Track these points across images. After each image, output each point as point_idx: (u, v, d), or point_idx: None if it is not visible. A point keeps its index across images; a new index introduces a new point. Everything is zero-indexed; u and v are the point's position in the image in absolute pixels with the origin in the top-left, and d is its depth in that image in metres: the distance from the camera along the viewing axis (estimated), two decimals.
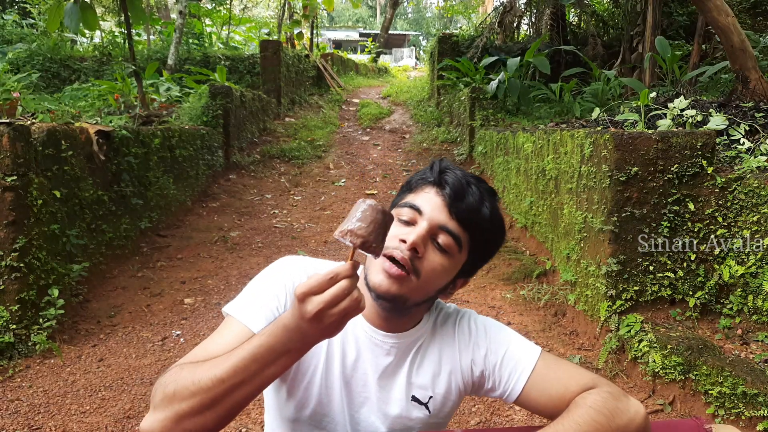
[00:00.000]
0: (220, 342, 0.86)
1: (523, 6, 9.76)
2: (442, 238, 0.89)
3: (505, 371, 0.95)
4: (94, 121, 4.56)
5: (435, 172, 0.92)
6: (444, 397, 0.98)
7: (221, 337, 0.88)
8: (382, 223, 0.76)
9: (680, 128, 3.19)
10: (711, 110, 3.47)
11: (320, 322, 0.71)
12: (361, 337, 0.97)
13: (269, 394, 1.02)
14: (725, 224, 2.67)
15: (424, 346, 0.99)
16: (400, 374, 0.97)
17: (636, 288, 2.78)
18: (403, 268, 0.86)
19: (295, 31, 12.01)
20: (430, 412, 0.97)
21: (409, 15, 48.06)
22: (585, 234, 3.09)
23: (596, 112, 4.17)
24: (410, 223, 0.90)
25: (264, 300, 0.92)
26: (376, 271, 0.88)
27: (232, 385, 0.74)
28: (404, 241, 0.86)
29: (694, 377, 2.34)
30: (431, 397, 0.97)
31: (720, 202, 2.68)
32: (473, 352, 0.98)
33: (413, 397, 0.96)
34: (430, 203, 0.90)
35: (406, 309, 0.94)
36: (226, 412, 0.75)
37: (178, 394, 0.75)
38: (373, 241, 0.75)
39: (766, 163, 2.68)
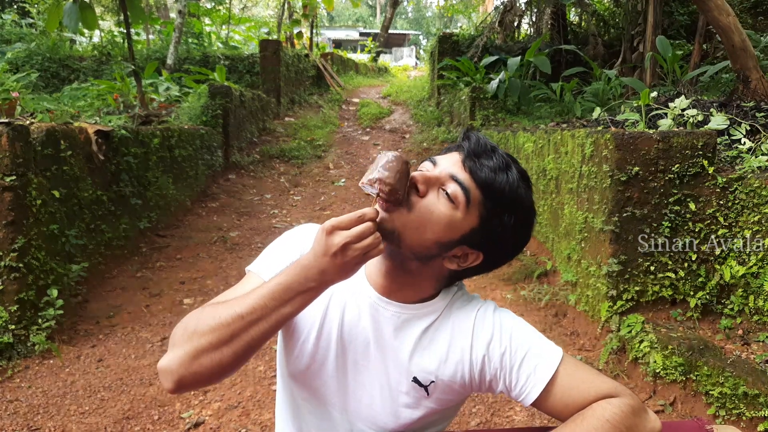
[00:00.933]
0: (239, 291, 0.90)
1: (523, 5, 9.75)
2: (451, 187, 0.85)
3: (523, 374, 0.90)
4: (93, 121, 4.55)
5: (460, 138, 0.93)
6: (447, 386, 0.93)
7: (241, 287, 0.93)
8: (405, 172, 0.80)
9: (681, 128, 3.18)
10: (712, 110, 3.46)
11: (344, 256, 0.77)
12: (362, 303, 0.94)
13: (279, 345, 1.03)
14: (726, 224, 2.67)
15: (434, 328, 0.94)
16: (402, 349, 0.93)
17: (637, 288, 2.77)
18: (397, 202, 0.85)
19: (295, 31, 12.00)
20: (428, 394, 0.93)
21: (409, 14, 48.05)
22: (586, 234, 3.08)
23: (597, 111, 4.16)
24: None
25: (280, 260, 0.95)
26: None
27: (249, 321, 0.78)
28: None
29: (695, 378, 2.33)
30: (433, 381, 0.93)
31: (721, 202, 2.67)
32: (489, 348, 0.92)
33: (414, 378, 0.93)
34: (449, 159, 0.90)
35: (404, 259, 0.89)
36: (243, 349, 0.79)
37: (198, 330, 0.80)
38: (399, 189, 0.79)
39: (767, 163, 2.67)
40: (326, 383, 0.95)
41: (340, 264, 0.77)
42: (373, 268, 0.96)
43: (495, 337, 0.92)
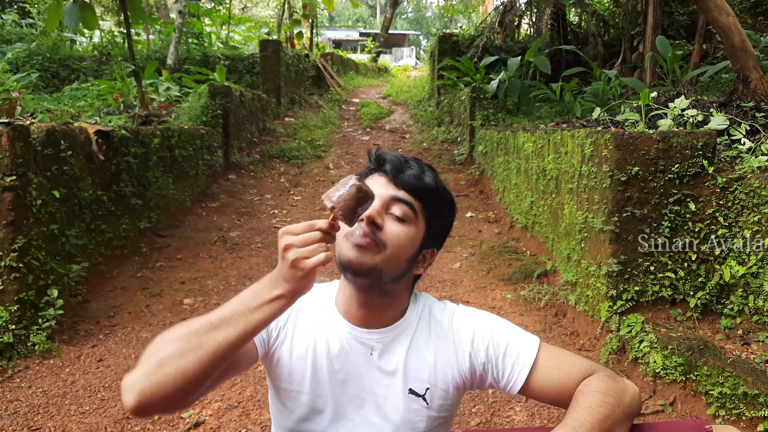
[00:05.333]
0: None
1: (523, 5, 9.74)
2: (397, 208, 0.93)
3: (508, 363, 0.97)
4: (94, 121, 4.55)
5: (374, 162, 0.99)
6: (442, 390, 0.99)
7: None
8: (355, 197, 0.82)
9: (681, 128, 3.18)
10: (712, 110, 3.46)
11: (287, 259, 0.77)
12: (345, 340, 0.99)
13: (273, 406, 1.05)
14: (726, 224, 2.67)
15: (416, 339, 1.00)
16: (395, 369, 0.98)
17: (637, 288, 2.78)
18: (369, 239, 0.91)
19: (295, 31, 12.00)
20: (428, 403, 0.98)
21: (409, 14, 48.04)
22: (585, 234, 3.08)
23: (597, 111, 4.16)
24: None
25: None
26: (347, 249, 0.92)
27: (217, 326, 0.78)
28: (362, 219, 0.91)
29: (694, 378, 2.34)
30: (428, 388, 0.98)
31: (721, 202, 2.68)
32: (473, 345, 0.99)
33: (410, 390, 0.98)
34: (378, 186, 0.95)
35: (383, 286, 0.95)
36: (208, 356, 0.77)
37: (165, 339, 0.79)
38: (347, 214, 0.82)
39: (766, 163, 2.67)
40: (328, 428, 0.99)
41: (287, 269, 0.77)
42: (349, 304, 0.99)
43: (477, 333, 1.00)
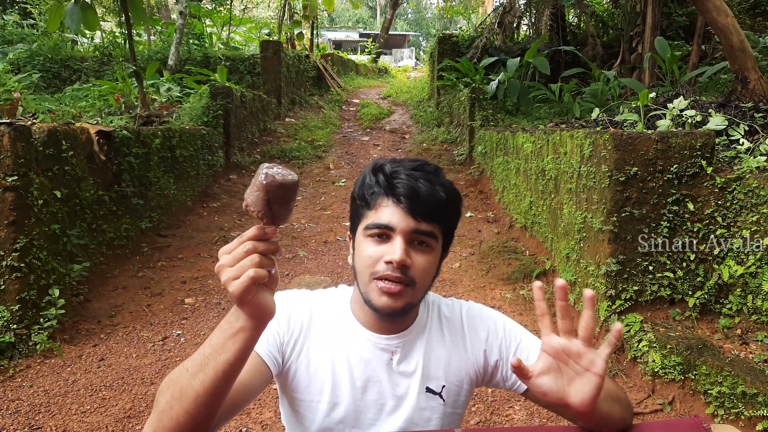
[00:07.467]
0: None
1: (522, 6, 9.76)
2: (420, 239, 0.92)
3: None
4: (95, 122, 4.56)
5: (384, 184, 0.92)
6: (457, 386, 1.01)
7: None
8: (264, 188, 0.71)
9: (680, 128, 3.19)
10: (710, 110, 3.48)
11: (222, 281, 0.70)
12: (365, 348, 0.99)
13: (289, 417, 1.05)
14: (725, 224, 2.68)
15: (430, 338, 1.01)
16: (414, 370, 0.99)
17: (635, 288, 2.79)
18: (400, 283, 0.90)
19: (296, 32, 12.01)
20: (444, 401, 1.00)
21: (409, 15, 48.06)
22: (584, 234, 3.09)
23: (596, 112, 4.17)
24: (383, 235, 0.92)
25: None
26: (377, 295, 0.91)
27: (192, 373, 0.74)
28: (390, 262, 0.89)
29: (693, 377, 2.35)
30: (444, 386, 1.00)
31: (719, 202, 2.69)
32: (488, 342, 1.02)
33: (427, 388, 0.99)
34: (394, 216, 0.91)
35: (410, 311, 0.97)
36: (192, 406, 0.74)
37: (160, 390, 0.78)
38: (262, 209, 0.71)
39: (765, 163, 2.68)
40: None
41: (227, 289, 0.70)
42: (368, 315, 0.98)
43: (491, 331, 1.02)
